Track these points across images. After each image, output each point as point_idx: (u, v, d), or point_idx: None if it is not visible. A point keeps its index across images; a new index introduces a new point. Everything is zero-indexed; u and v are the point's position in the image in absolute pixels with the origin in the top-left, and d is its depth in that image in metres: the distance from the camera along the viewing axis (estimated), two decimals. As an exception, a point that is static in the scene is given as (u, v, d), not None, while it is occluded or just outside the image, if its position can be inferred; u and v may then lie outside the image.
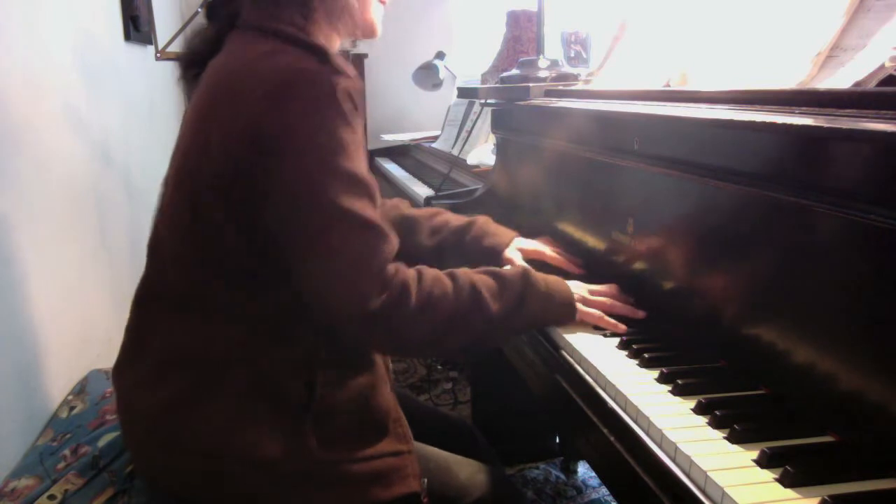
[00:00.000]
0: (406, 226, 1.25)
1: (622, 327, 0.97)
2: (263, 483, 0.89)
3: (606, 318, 0.98)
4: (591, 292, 1.02)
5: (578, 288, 1.02)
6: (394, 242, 0.88)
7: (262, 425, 0.90)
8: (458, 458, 1.08)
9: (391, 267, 0.87)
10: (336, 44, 0.99)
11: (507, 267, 0.99)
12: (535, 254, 1.24)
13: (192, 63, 0.99)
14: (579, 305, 0.99)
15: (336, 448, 0.92)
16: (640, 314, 1.00)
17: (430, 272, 0.91)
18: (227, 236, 0.88)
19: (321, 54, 0.86)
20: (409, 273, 0.89)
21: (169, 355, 0.93)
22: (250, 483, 0.90)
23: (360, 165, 0.86)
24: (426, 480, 0.97)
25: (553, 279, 1.00)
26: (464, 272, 0.94)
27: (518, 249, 1.23)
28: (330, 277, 0.85)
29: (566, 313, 0.98)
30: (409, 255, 1.25)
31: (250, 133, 0.83)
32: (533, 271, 0.99)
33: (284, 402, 0.91)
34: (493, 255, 1.23)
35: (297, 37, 0.88)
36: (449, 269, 0.94)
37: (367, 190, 0.86)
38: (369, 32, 1.01)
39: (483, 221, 1.26)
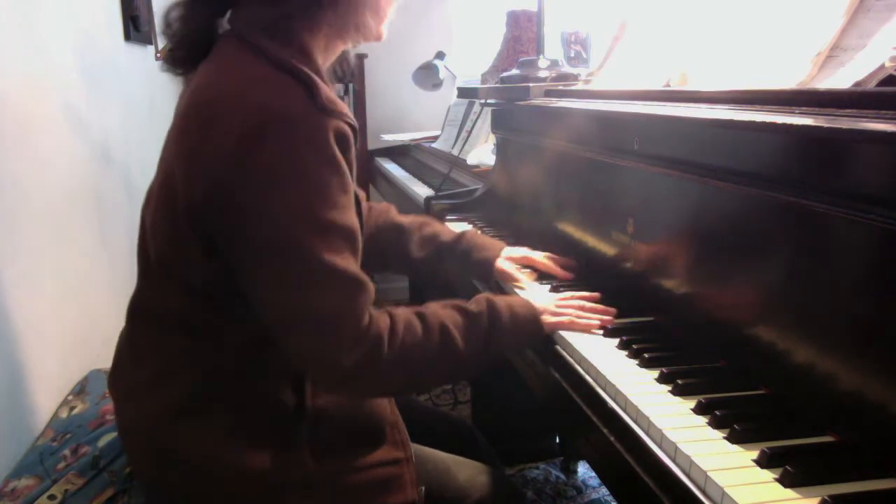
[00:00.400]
0: (395, 234, 1.24)
1: (595, 323, 0.97)
2: (256, 496, 0.89)
3: (577, 321, 0.98)
4: (557, 304, 1.02)
5: (545, 300, 1.02)
6: (370, 292, 0.85)
7: (254, 438, 0.89)
8: (458, 458, 1.08)
9: (365, 319, 0.83)
10: (339, 50, 0.95)
11: (474, 298, 0.97)
12: (526, 260, 1.24)
13: (178, 50, 0.93)
14: (546, 318, 0.98)
15: (330, 459, 0.91)
16: (612, 312, 1.00)
17: (402, 319, 0.88)
18: (204, 268, 0.86)
19: (312, 89, 0.82)
20: (383, 323, 0.85)
21: (162, 368, 0.92)
22: (244, 496, 0.89)
23: (343, 213, 0.82)
24: (423, 489, 0.97)
25: (517, 301, 0.99)
26: (433, 312, 0.91)
27: (508, 259, 1.23)
28: (304, 333, 0.83)
29: (534, 330, 0.98)
30: (397, 262, 1.25)
31: (227, 169, 0.79)
32: (496, 299, 0.97)
33: (276, 414, 0.90)
34: (485, 268, 1.22)
35: (291, 65, 0.83)
36: (418, 310, 0.91)
37: (349, 238, 0.83)
38: (377, 37, 0.98)
39: (471, 235, 1.26)
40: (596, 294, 1.05)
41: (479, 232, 1.28)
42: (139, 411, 0.93)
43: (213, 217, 0.82)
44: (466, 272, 1.26)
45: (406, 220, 1.26)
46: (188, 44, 0.91)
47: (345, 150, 0.83)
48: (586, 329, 0.97)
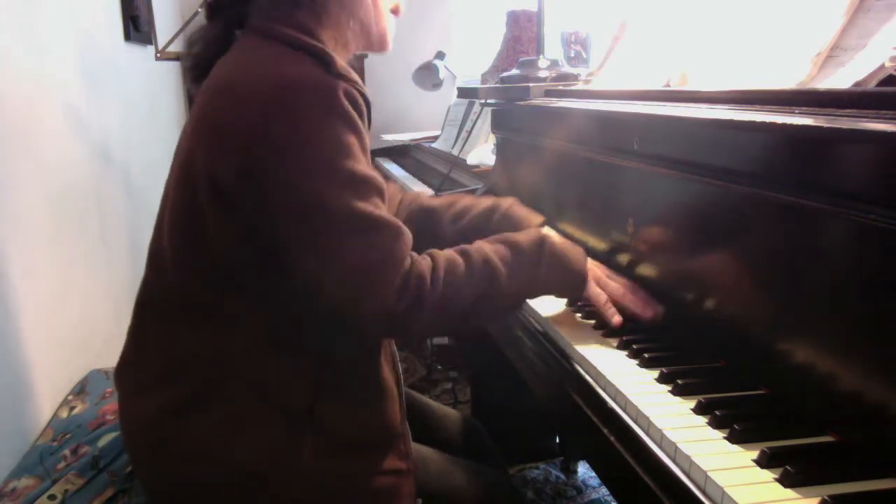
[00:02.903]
0: (426, 217, 1.23)
1: (619, 318, 0.95)
2: (257, 495, 0.89)
3: (610, 304, 0.96)
4: (609, 276, 1.00)
5: (597, 267, 1.01)
6: (408, 237, 0.86)
7: (258, 437, 0.89)
8: (458, 460, 1.08)
9: (407, 263, 0.85)
10: (346, 58, 0.97)
11: (530, 230, 0.98)
12: None
13: (197, 67, 0.98)
14: (591, 283, 0.97)
15: (332, 463, 0.91)
16: (649, 313, 0.97)
17: (443, 257, 0.89)
18: (230, 247, 0.87)
19: (326, 60, 0.85)
20: (424, 265, 0.87)
21: (169, 362, 0.92)
22: (244, 494, 0.89)
23: (365, 166, 0.85)
24: (420, 500, 0.97)
25: (571, 247, 0.98)
26: (477, 248, 0.92)
27: None
28: (347, 284, 0.83)
29: (576, 285, 0.97)
30: (432, 245, 1.23)
31: (252, 141, 0.81)
32: (550, 236, 0.97)
33: (283, 414, 0.90)
34: None
35: (303, 42, 0.87)
36: (463, 247, 0.92)
37: (376, 189, 0.85)
38: (382, 45, 1.01)
39: (508, 206, 1.22)
40: (643, 294, 1.00)
41: (516, 202, 1.23)
42: (145, 406, 0.92)
43: (247, 192, 0.83)
44: None
45: (437, 201, 1.26)
46: (207, 60, 0.95)
47: (359, 113, 0.86)
48: (611, 317, 0.96)
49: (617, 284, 0.99)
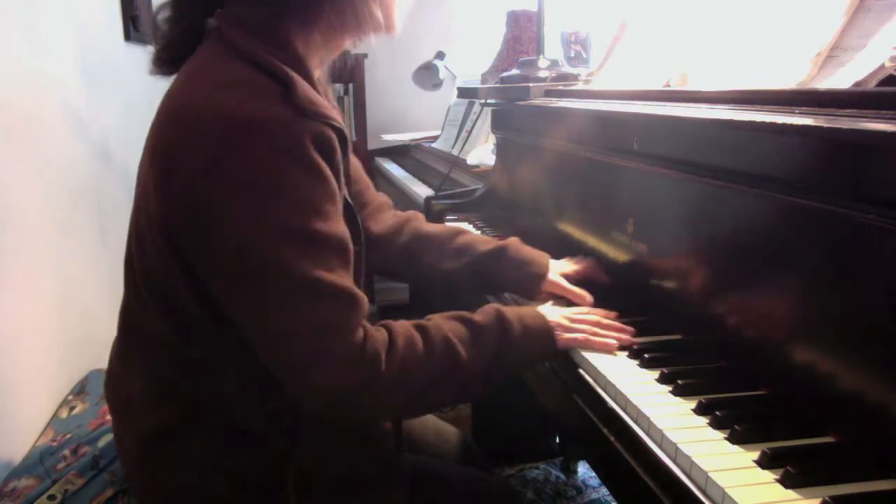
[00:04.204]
0: (423, 246, 1.16)
1: (613, 344, 0.89)
2: None
3: (593, 339, 0.90)
4: (571, 319, 0.94)
5: (555, 314, 0.94)
6: (364, 306, 0.79)
7: (238, 470, 0.86)
8: (453, 467, 1.07)
9: (360, 335, 0.77)
10: (342, 46, 0.90)
11: (481, 309, 0.91)
12: (582, 274, 1.14)
13: (164, 62, 0.89)
14: (560, 333, 0.91)
15: (318, 499, 0.87)
16: (630, 331, 0.92)
17: (401, 333, 0.82)
18: (186, 292, 0.81)
19: (288, 86, 0.76)
20: (380, 339, 0.79)
21: (149, 386, 0.88)
22: None
23: (329, 223, 0.76)
24: None
25: (528, 312, 0.92)
26: (435, 325, 0.85)
27: (562, 275, 1.12)
28: (293, 354, 0.76)
29: (546, 346, 0.91)
30: (426, 276, 1.17)
31: (202, 188, 0.74)
32: (505, 311, 0.90)
33: (262, 448, 0.86)
34: (534, 282, 1.11)
35: (266, 61, 0.78)
36: (419, 323, 0.85)
37: (337, 249, 0.77)
38: (389, 31, 0.90)
39: (515, 247, 1.14)
40: (613, 313, 0.98)
41: (520, 242, 1.17)
42: (131, 425, 0.90)
43: (191, 237, 0.77)
44: (512, 284, 1.15)
45: (435, 231, 1.19)
46: (175, 45, 0.88)
47: (328, 156, 0.78)
48: (603, 348, 0.89)
49: (584, 322, 0.93)
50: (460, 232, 1.18)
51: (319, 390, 0.77)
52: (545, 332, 0.91)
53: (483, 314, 0.89)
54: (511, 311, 0.90)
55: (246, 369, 0.83)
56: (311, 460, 0.87)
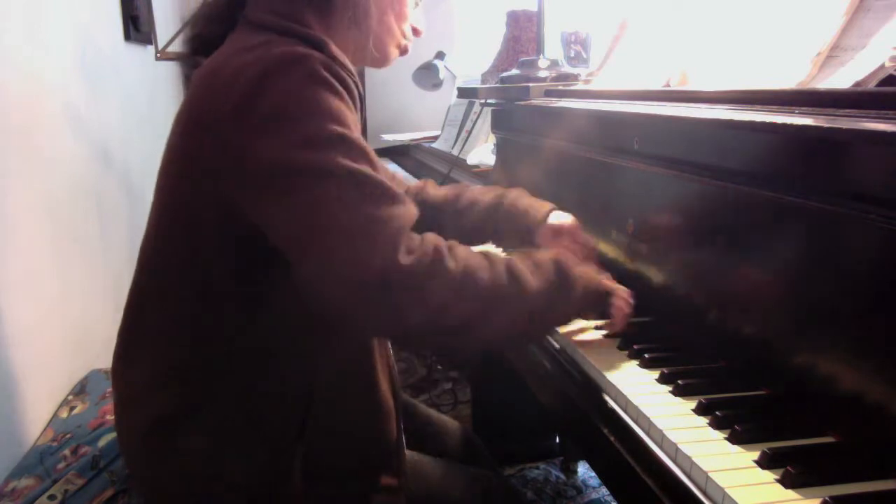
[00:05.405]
0: (429, 213, 1.15)
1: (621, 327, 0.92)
2: None
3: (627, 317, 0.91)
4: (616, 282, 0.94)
5: (609, 280, 0.93)
6: (412, 209, 0.78)
7: (245, 454, 0.86)
8: (455, 465, 1.07)
9: (413, 234, 0.75)
10: (360, 46, 0.94)
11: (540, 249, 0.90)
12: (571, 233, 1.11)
13: (197, 47, 0.93)
14: (618, 293, 0.92)
15: (321, 482, 0.88)
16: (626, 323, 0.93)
17: (458, 244, 0.79)
18: (216, 249, 0.83)
19: (320, 45, 0.81)
20: (439, 238, 0.77)
21: (158, 370, 0.89)
22: None
23: (356, 133, 0.78)
24: None
25: (583, 267, 0.90)
26: (493, 253, 0.83)
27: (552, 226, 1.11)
28: (341, 245, 0.72)
29: (599, 297, 0.90)
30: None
31: (238, 126, 0.77)
32: (564, 254, 0.89)
33: (271, 433, 0.87)
34: (529, 234, 1.12)
35: (296, 30, 0.83)
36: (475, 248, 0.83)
37: (370, 160, 0.78)
38: (377, 63, 0.97)
39: (514, 197, 1.14)
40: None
41: (524, 193, 1.17)
42: (136, 414, 0.91)
43: (234, 179, 0.78)
44: (509, 236, 1.16)
45: (440, 196, 1.20)
46: (209, 41, 0.91)
47: (351, 97, 0.80)
48: (623, 326, 0.91)
49: (625, 295, 0.93)
50: (461, 192, 1.21)
51: (380, 273, 0.71)
52: (601, 288, 0.90)
53: (542, 252, 0.88)
54: (570, 257, 0.89)
55: (269, 356, 0.85)
56: (318, 447, 0.88)
